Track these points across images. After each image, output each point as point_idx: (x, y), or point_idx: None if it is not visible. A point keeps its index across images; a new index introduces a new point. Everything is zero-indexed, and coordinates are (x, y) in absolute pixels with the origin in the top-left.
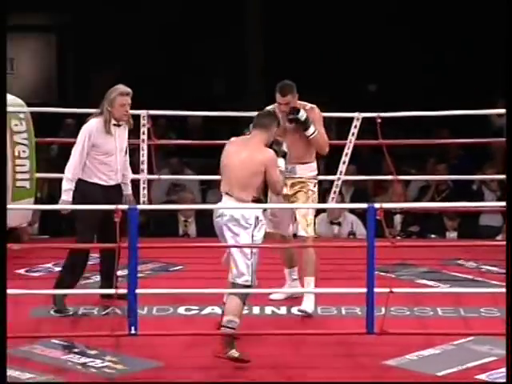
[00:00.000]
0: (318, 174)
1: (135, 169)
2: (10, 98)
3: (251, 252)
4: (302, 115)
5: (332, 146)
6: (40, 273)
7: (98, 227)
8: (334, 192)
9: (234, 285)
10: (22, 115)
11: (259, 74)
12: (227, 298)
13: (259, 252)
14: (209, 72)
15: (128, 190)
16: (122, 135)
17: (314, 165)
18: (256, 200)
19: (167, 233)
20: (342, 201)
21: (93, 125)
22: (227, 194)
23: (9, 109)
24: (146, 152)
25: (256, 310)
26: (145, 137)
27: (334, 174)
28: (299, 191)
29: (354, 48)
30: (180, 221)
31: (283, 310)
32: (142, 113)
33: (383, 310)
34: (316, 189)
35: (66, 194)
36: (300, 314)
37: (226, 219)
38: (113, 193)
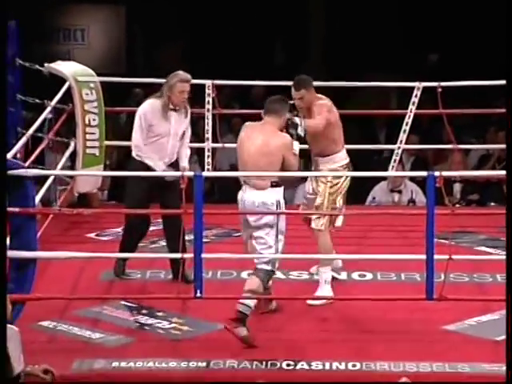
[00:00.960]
0: (350, 161)
1: (201, 138)
2: (80, 67)
3: (276, 238)
4: (302, 130)
5: (393, 115)
6: (109, 237)
7: (149, 199)
8: (395, 161)
9: (258, 269)
10: (92, 85)
11: (320, 44)
12: (249, 278)
13: (284, 239)
14: (270, 42)
15: (184, 163)
16: (178, 120)
17: (338, 156)
18: (275, 185)
19: (231, 199)
20: (403, 169)
21: (147, 107)
22: (245, 182)
23: (80, 78)
24: (210, 121)
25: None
26: (209, 106)
27: (395, 143)
28: (321, 182)
29: (416, 17)
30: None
31: (344, 276)
32: (207, 82)
33: (442, 276)
34: (339, 180)
35: (158, 167)
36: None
37: (247, 206)
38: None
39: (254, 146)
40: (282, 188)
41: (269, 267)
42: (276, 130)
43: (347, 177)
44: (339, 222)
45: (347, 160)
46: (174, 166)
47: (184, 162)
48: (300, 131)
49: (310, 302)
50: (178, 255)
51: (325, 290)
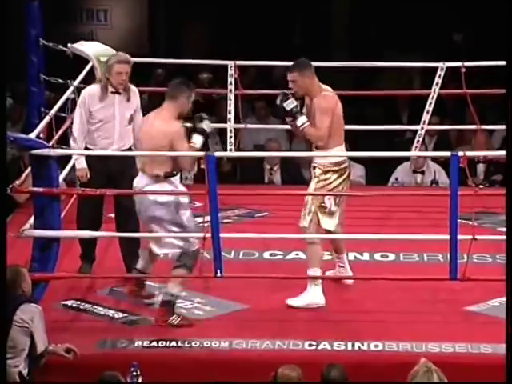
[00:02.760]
0: (341, 162)
1: (223, 119)
2: (103, 47)
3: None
4: (288, 104)
5: (416, 95)
6: None
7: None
8: (418, 141)
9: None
10: None
11: (341, 24)
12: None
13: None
14: (290, 22)
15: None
16: (122, 104)
17: (333, 151)
18: (169, 175)
19: (253, 180)
20: (425, 150)
21: (85, 92)
22: (141, 170)
23: (102, 58)
24: (232, 101)
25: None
26: (232, 87)
27: (418, 123)
28: (313, 176)
29: None
30: (266, 169)
31: (366, 256)
32: (230, 63)
33: (465, 256)
34: (330, 176)
35: (79, 163)
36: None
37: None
38: (112, 162)
39: (144, 131)
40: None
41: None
42: (170, 116)
43: (341, 175)
44: (329, 224)
45: (341, 160)
46: (119, 159)
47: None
48: (204, 125)
49: (289, 302)
50: (200, 235)
51: (312, 294)
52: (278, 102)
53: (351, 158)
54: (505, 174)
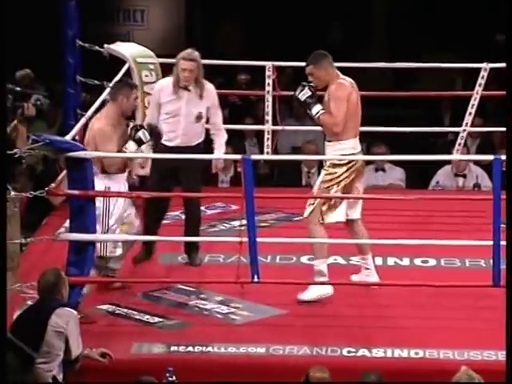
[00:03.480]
0: (353, 154)
1: (260, 120)
2: (140, 48)
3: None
4: (304, 94)
5: (458, 97)
6: (168, 220)
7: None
8: (459, 144)
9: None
10: (151, 66)
11: (381, 23)
12: None
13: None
14: (326, 20)
15: (218, 155)
16: (191, 100)
17: (341, 145)
18: (105, 173)
19: (290, 183)
20: (468, 153)
21: (159, 83)
22: None
23: (139, 60)
24: (270, 103)
25: (378, 260)
26: (269, 88)
27: (460, 125)
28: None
29: None
30: (303, 171)
31: (406, 262)
32: (267, 64)
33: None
34: (339, 170)
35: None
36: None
37: None
38: (173, 154)
39: None
40: (116, 176)
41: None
42: (104, 115)
43: (349, 168)
44: (331, 217)
45: (353, 152)
46: (193, 150)
47: (218, 154)
48: (141, 135)
49: (300, 297)
50: (237, 239)
51: (319, 287)
52: (295, 93)
53: (391, 162)
54: (506, 174)
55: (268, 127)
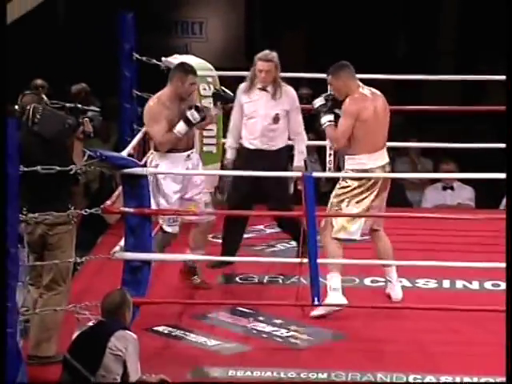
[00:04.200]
0: (365, 170)
1: (321, 135)
2: (198, 61)
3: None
4: (317, 102)
5: None
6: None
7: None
8: None
9: None
10: (210, 79)
11: (450, 33)
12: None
13: None
14: (391, 31)
15: (296, 161)
16: (269, 101)
17: (351, 160)
18: (157, 151)
19: None
20: None
21: (242, 85)
22: None
23: (197, 73)
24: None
25: (446, 283)
26: None
27: None
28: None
29: None
30: None
31: (475, 285)
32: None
33: None
34: (352, 183)
35: (228, 154)
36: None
37: None
38: (255, 157)
39: None
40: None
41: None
42: (156, 95)
43: (363, 184)
44: (340, 233)
45: (364, 167)
46: (275, 154)
47: (297, 161)
48: (189, 114)
49: (313, 313)
50: (296, 260)
51: (332, 298)
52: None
53: (460, 180)
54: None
55: (330, 143)
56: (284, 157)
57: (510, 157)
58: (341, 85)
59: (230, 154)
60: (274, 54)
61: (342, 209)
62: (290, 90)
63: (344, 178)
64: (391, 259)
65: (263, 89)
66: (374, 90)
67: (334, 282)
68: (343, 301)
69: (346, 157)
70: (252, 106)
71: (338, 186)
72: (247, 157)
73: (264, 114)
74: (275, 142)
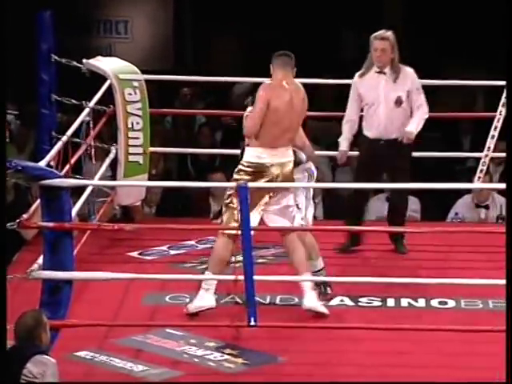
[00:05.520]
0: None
1: None
2: (123, 64)
3: None
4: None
5: (479, 118)
6: (154, 256)
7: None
8: (481, 171)
9: None
10: (135, 83)
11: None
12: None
13: None
14: (337, 33)
15: (409, 127)
16: (388, 85)
17: (256, 150)
18: None
19: None
20: (490, 181)
21: (358, 74)
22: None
23: (122, 76)
24: None
25: (391, 302)
26: None
27: (482, 150)
28: None
29: (503, 6)
30: None
31: (421, 303)
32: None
33: None
34: (242, 176)
35: (340, 146)
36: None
37: None
38: (380, 146)
39: None
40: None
41: None
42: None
43: (256, 179)
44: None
45: (258, 161)
46: (388, 145)
47: (410, 127)
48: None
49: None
50: (231, 277)
51: (199, 299)
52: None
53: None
54: (506, 177)
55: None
56: (410, 143)
57: (510, 157)
58: (271, 71)
59: (344, 146)
60: (390, 33)
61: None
62: (409, 71)
63: (237, 170)
64: (304, 265)
65: (380, 71)
66: (298, 84)
67: (208, 284)
68: (212, 301)
69: (246, 147)
70: (371, 91)
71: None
72: (371, 146)
73: (385, 98)
74: (397, 129)
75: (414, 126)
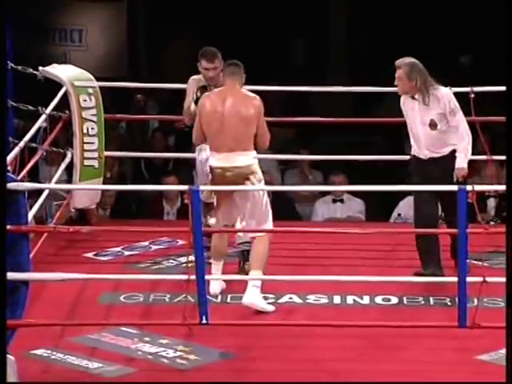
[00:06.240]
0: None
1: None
2: (78, 71)
3: None
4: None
5: None
6: (109, 257)
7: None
8: None
9: None
10: (90, 90)
11: (340, 45)
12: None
13: None
14: (288, 40)
15: (457, 164)
16: (421, 107)
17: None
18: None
19: None
20: None
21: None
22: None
23: (77, 83)
24: None
25: (337, 299)
26: None
27: None
28: None
29: (445, 14)
30: None
31: (366, 300)
32: None
33: (476, 301)
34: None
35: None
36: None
37: None
38: (424, 166)
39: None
40: None
41: None
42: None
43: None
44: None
45: (210, 164)
46: (434, 164)
47: (458, 162)
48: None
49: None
50: (184, 277)
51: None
52: None
53: (350, 192)
54: (506, 178)
55: None
56: (452, 163)
57: (510, 160)
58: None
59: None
60: (404, 61)
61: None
62: (441, 93)
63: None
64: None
65: (412, 97)
66: (247, 93)
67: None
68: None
69: None
70: (410, 115)
71: None
72: (418, 166)
73: (420, 121)
74: (440, 149)
75: (461, 161)
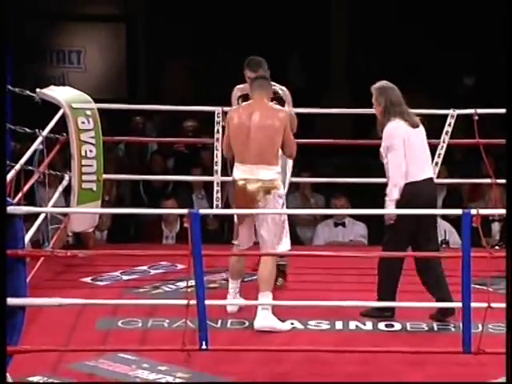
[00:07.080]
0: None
1: (209, 171)
2: (76, 93)
3: None
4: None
5: None
6: (106, 281)
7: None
8: None
9: None
10: (88, 112)
11: (341, 64)
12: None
13: None
14: (286, 61)
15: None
16: (419, 132)
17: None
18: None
19: None
20: None
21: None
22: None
23: (75, 105)
24: (219, 152)
25: (339, 324)
26: (219, 135)
27: None
28: None
29: (449, 36)
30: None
31: (369, 326)
32: (217, 109)
33: (480, 326)
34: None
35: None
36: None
37: None
38: (425, 193)
39: None
40: None
41: None
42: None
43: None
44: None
45: (239, 177)
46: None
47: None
48: None
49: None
50: (183, 302)
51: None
52: None
53: (352, 216)
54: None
55: (217, 178)
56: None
57: (510, 157)
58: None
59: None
60: (375, 86)
61: None
62: (386, 128)
63: None
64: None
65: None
66: (274, 106)
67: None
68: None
69: None
70: (414, 138)
71: None
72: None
73: (419, 144)
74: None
75: (386, 205)
